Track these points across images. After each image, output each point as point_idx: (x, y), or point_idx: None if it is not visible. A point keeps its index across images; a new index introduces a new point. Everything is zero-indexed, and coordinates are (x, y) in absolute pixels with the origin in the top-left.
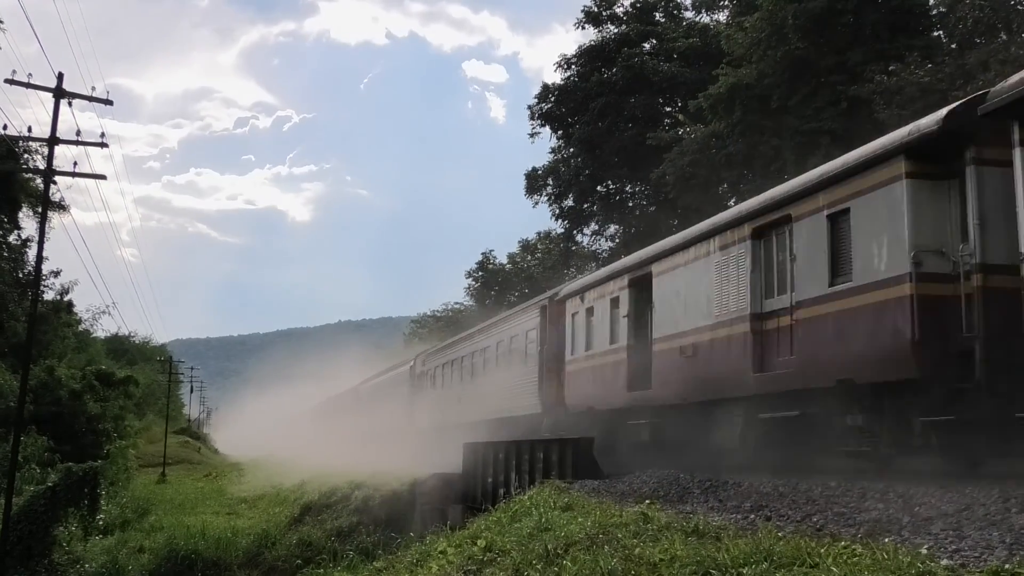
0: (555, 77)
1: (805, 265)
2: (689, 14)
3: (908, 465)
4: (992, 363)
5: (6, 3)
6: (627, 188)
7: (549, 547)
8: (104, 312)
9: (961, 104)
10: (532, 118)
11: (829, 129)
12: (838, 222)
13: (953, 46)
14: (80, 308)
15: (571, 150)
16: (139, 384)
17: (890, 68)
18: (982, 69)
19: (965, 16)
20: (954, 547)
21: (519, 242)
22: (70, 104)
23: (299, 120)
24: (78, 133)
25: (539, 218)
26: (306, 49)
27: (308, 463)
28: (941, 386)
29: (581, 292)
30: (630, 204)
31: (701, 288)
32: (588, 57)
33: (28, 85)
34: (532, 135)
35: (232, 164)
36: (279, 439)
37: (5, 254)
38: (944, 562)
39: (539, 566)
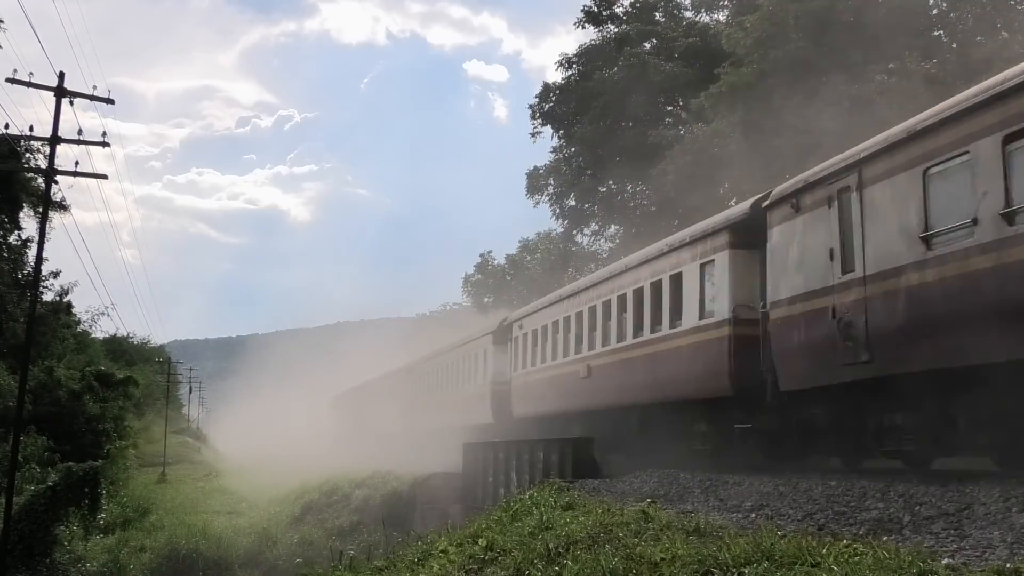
0: (556, 76)
1: None
2: (689, 14)
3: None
4: None
5: (6, 3)
6: (628, 188)
7: (550, 546)
8: (103, 313)
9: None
10: (533, 117)
11: (831, 129)
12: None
13: (954, 45)
14: (79, 309)
15: (572, 149)
16: (139, 384)
17: (890, 66)
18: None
19: (966, 15)
20: (955, 546)
21: (519, 241)
22: (71, 103)
23: (300, 120)
24: (80, 132)
25: (539, 218)
26: (307, 49)
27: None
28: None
29: None
30: (631, 204)
31: None
32: (589, 56)
33: (29, 84)
34: (533, 134)
35: (233, 164)
36: (295, 438)
37: (5, 254)
38: (945, 561)
39: (540, 565)
